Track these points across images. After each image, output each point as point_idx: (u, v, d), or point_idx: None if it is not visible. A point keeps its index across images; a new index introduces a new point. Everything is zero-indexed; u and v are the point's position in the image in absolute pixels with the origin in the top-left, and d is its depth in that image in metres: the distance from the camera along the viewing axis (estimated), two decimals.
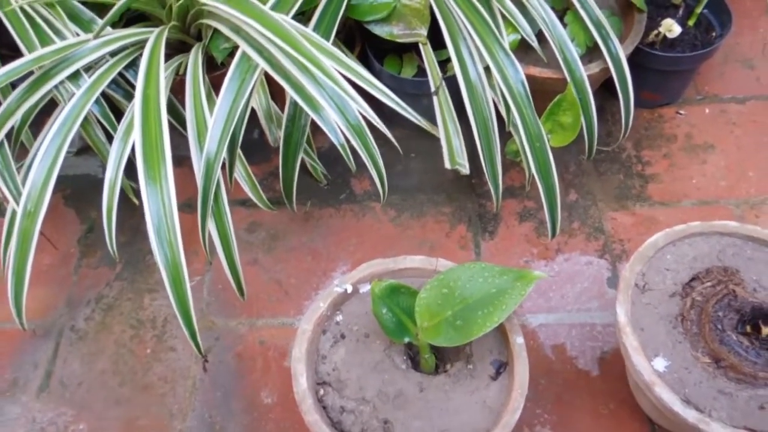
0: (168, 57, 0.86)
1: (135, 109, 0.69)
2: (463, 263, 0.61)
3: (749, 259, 0.66)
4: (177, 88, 0.83)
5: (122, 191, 0.76)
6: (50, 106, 0.81)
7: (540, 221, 0.92)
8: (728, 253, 0.67)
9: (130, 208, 0.88)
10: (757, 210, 0.91)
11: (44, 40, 0.81)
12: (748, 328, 0.61)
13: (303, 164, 0.87)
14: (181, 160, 0.79)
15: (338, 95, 0.70)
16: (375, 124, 0.71)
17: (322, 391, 0.63)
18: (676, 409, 0.57)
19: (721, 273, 0.65)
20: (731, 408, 0.57)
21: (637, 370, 0.59)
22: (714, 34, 0.99)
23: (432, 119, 0.86)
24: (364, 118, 0.73)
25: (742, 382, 0.59)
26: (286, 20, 0.72)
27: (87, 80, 0.78)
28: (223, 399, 0.78)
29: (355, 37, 0.99)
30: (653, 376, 0.59)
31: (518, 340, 0.62)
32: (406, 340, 0.61)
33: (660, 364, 0.60)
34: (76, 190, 1.00)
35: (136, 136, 0.67)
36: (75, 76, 0.79)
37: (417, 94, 0.94)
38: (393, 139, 0.76)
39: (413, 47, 0.95)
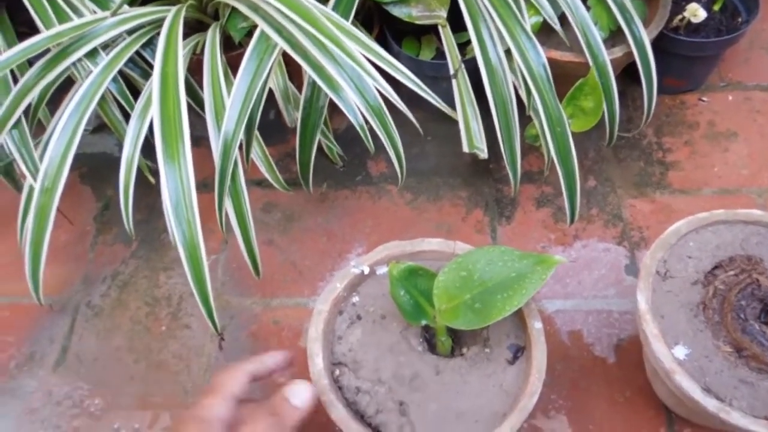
0: (185, 36, 0.86)
1: (153, 86, 0.68)
2: (481, 246, 0.60)
3: None
4: (194, 68, 0.83)
5: (138, 170, 0.76)
6: (67, 84, 0.81)
7: (558, 207, 0.91)
8: (752, 241, 0.66)
9: (146, 187, 0.88)
10: None
11: (62, 17, 0.81)
12: None
13: (319, 145, 0.87)
14: (197, 140, 0.78)
15: (358, 75, 0.69)
16: (395, 103, 0.70)
17: (337, 372, 0.63)
18: (696, 398, 0.56)
19: (745, 262, 0.64)
20: (752, 398, 0.57)
21: (657, 357, 0.59)
22: (740, 19, 0.97)
23: (450, 102, 0.85)
24: (383, 99, 0.72)
25: (764, 372, 0.58)
26: None
27: (104, 58, 0.78)
28: None
29: (374, 19, 0.97)
30: (673, 363, 0.58)
31: (536, 325, 0.62)
32: (423, 322, 0.61)
33: (680, 352, 0.60)
34: (93, 168, 1.00)
35: (154, 113, 0.67)
36: (92, 54, 0.79)
37: (435, 76, 0.93)
38: (414, 120, 0.75)
39: (432, 29, 0.94)
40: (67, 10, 0.81)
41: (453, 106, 0.85)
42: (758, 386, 0.57)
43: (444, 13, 0.86)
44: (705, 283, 0.64)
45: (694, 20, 0.92)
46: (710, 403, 0.56)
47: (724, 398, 0.57)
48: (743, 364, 0.58)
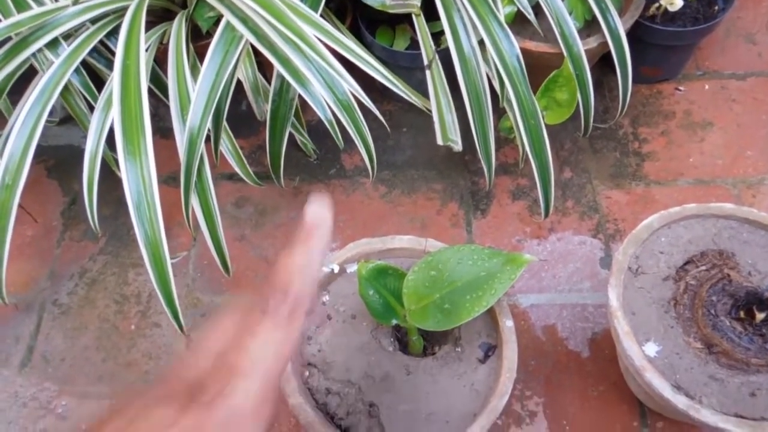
0: (153, 24, 0.83)
1: (114, 80, 0.66)
2: (452, 245, 0.59)
3: (745, 242, 0.65)
4: (161, 58, 0.80)
5: (106, 163, 0.74)
6: (31, 74, 0.78)
7: (533, 199, 0.90)
8: (724, 236, 0.66)
9: (114, 180, 0.86)
10: (755, 190, 0.90)
11: (21, 6, 0.78)
12: (742, 314, 0.60)
13: (292, 138, 0.85)
14: (168, 132, 0.76)
15: (326, 70, 0.67)
16: (364, 102, 0.68)
17: (307, 373, 0.62)
18: (666, 395, 0.56)
19: (716, 256, 0.64)
20: (722, 394, 0.56)
21: (628, 354, 0.58)
22: (716, 7, 0.96)
23: (426, 93, 0.84)
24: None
25: (734, 368, 0.58)
26: None
27: (66, 48, 0.75)
28: None
29: (347, 8, 0.95)
30: (644, 361, 0.58)
31: (508, 324, 0.61)
32: (394, 322, 0.60)
33: (651, 349, 0.59)
34: (60, 160, 0.97)
35: (114, 108, 0.64)
36: (53, 44, 0.76)
37: (410, 67, 0.92)
38: (381, 118, 0.73)
39: (406, 18, 0.92)
40: None
41: (428, 97, 0.83)
42: (728, 383, 0.57)
43: (418, 2, 0.84)
44: (676, 278, 0.63)
45: (671, 9, 0.91)
46: (680, 401, 0.56)
47: (694, 395, 0.57)
48: (713, 361, 0.58)
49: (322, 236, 0.37)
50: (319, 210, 0.38)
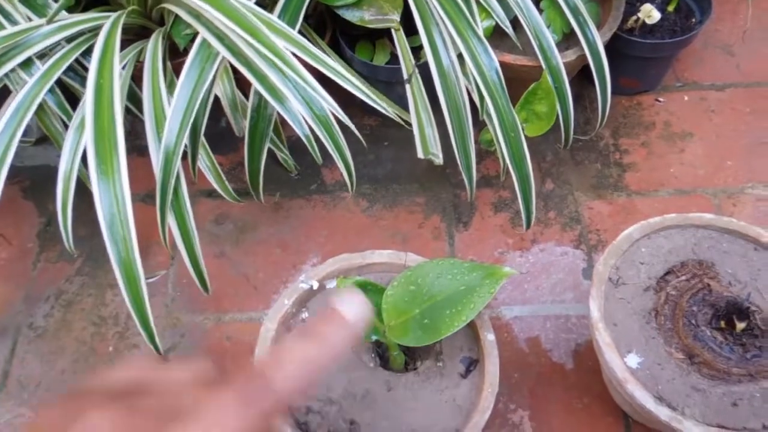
0: (130, 42, 0.83)
1: (86, 100, 0.65)
2: (431, 259, 0.59)
3: (725, 252, 0.65)
4: (138, 76, 0.80)
5: (83, 183, 0.72)
6: (6, 93, 0.77)
7: (515, 211, 0.90)
8: (704, 245, 0.66)
9: (91, 200, 0.84)
10: (735, 199, 0.90)
11: None
12: (723, 323, 0.59)
13: (272, 154, 0.85)
14: (145, 150, 0.75)
15: (303, 87, 0.67)
16: (342, 119, 0.68)
17: None
18: (648, 407, 0.56)
19: (696, 266, 0.64)
20: (704, 405, 0.56)
21: (610, 367, 0.58)
22: (694, 20, 0.98)
23: (406, 107, 0.83)
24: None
25: (716, 379, 0.57)
26: (246, 5, 0.68)
27: (40, 68, 0.74)
28: None
29: (326, 23, 0.95)
30: (626, 373, 0.57)
31: (489, 337, 0.60)
32: (374, 338, 0.59)
33: (633, 360, 0.59)
34: (36, 181, 0.96)
35: (87, 128, 0.63)
36: (27, 64, 0.75)
37: (390, 81, 0.92)
38: (359, 134, 0.73)
39: (386, 33, 0.92)
40: None
41: (408, 111, 0.83)
42: (710, 393, 0.57)
43: (397, 17, 0.84)
44: (657, 289, 0.63)
45: (649, 21, 0.92)
46: (663, 413, 0.55)
47: (676, 406, 0.56)
48: (695, 371, 0.58)
49: (349, 336, 0.31)
50: (359, 306, 0.31)
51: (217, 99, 0.79)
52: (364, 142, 0.77)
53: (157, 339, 0.65)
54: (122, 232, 0.61)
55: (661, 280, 0.64)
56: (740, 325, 0.58)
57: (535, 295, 0.82)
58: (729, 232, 0.66)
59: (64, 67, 0.75)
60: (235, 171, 0.95)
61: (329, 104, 0.66)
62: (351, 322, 0.31)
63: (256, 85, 0.69)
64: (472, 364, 0.61)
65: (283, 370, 0.29)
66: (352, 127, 0.70)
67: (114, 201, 0.62)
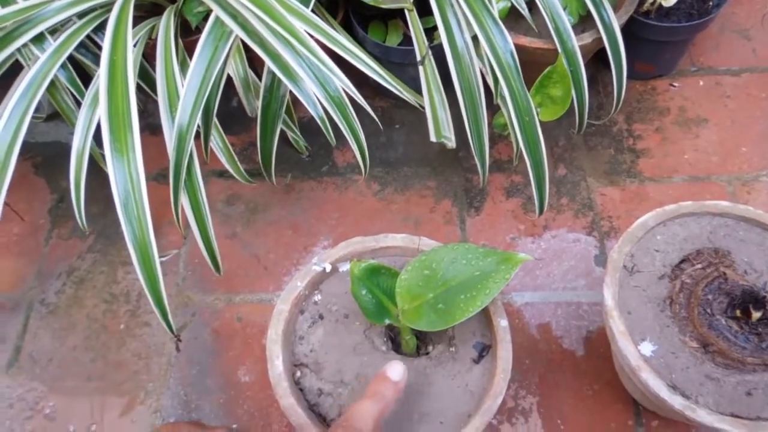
0: (141, 19, 0.82)
1: (100, 76, 0.65)
2: (446, 243, 0.58)
3: (741, 240, 0.64)
4: (150, 53, 0.79)
5: (95, 160, 0.72)
6: (18, 69, 0.76)
7: (527, 197, 0.90)
8: (719, 233, 0.65)
9: (103, 177, 0.84)
10: (749, 187, 0.89)
11: (5, 0, 0.76)
12: (738, 312, 0.59)
13: (284, 135, 0.84)
14: (157, 128, 0.75)
15: (317, 66, 0.66)
16: (357, 99, 0.67)
17: (299, 373, 0.61)
18: (662, 395, 0.55)
19: (712, 255, 0.63)
20: (718, 394, 0.56)
21: (624, 354, 0.58)
22: (711, 3, 0.96)
23: (419, 89, 0.83)
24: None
25: (730, 368, 0.57)
26: None
27: (52, 43, 0.74)
28: (198, 376, 0.76)
29: (339, 3, 0.94)
30: (639, 361, 0.57)
31: (502, 323, 0.60)
32: (387, 322, 0.59)
33: (647, 348, 0.59)
34: (47, 157, 0.96)
35: (101, 105, 0.63)
36: (39, 39, 0.74)
37: (403, 63, 0.91)
38: (374, 115, 0.72)
39: (399, 14, 0.91)
40: None
41: (421, 93, 0.82)
42: (724, 382, 0.57)
43: None
44: (672, 277, 0.63)
45: (665, 4, 0.91)
46: (676, 401, 0.55)
47: (690, 395, 0.56)
48: (709, 360, 0.58)
49: (396, 397, 0.51)
50: (400, 369, 0.52)
51: (228, 78, 0.78)
52: (380, 123, 0.76)
53: (170, 316, 0.65)
54: (137, 210, 0.61)
55: (677, 268, 0.63)
56: (756, 315, 0.58)
57: (547, 282, 0.82)
58: (745, 220, 0.65)
59: (76, 43, 0.74)
60: (247, 151, 0.94)
61: (343, 83, 0.65)
62: (396, 381, 0.52)
63: (269, 64, 0.68)
64: (485, 350, 0.61)
65: (365, 424, 0.47)
66: (368, 108, 0.69)
67: (128, 178, 0.61)
